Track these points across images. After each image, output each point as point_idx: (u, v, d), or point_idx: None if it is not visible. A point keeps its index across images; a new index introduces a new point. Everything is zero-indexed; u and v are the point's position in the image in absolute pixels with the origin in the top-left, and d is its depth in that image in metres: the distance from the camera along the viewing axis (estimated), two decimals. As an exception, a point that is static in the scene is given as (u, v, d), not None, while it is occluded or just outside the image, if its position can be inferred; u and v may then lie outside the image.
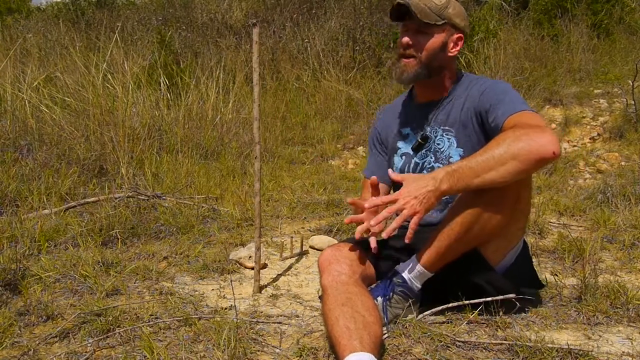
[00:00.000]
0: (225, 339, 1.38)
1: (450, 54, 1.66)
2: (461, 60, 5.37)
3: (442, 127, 1.68)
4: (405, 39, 1.62)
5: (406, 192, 1.39)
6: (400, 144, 1.79)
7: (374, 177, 1.52)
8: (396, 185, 1.80)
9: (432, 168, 1.69)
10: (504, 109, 1.48)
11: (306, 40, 6.54)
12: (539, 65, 5.52)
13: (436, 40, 1.62)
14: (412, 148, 1.74)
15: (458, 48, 1.67)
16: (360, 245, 1.62)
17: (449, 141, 1.67)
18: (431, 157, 1.70)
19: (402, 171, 1.76)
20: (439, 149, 1.68)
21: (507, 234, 1.53)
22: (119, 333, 1.51)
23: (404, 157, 1.77)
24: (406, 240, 1.42)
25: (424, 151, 1.71)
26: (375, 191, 1.59)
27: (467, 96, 1.65)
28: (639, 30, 6.29)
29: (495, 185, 1.35)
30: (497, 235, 1.51)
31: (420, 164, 1.72)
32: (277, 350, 1.44)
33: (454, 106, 1.67)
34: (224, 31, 7.16)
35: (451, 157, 1.66)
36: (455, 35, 1.65)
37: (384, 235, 1.43)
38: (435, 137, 1.69)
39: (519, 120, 1.42)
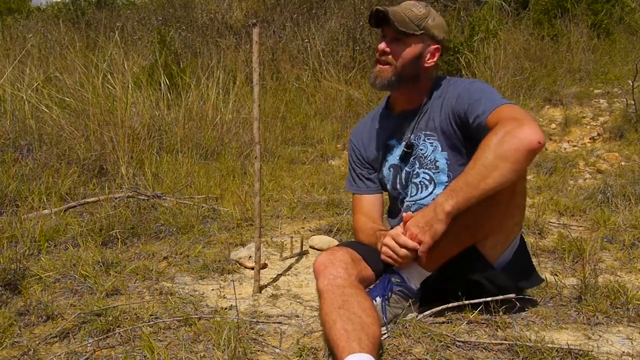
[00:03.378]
0: (225, 339, 1.38)
1: (426, 65, 1.66)
2: (461, 61, 5.37)
3: (424, 133, 1.69)
4: (382, 45, 1.64)
5: (411, 223, 1.44)
6: (387, 156, 1.79)
7: (409, 214, 1.50)
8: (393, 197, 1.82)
9: (418, 174, 1.70)
10: (484, 108, 1.49)
11: (306, 40, 6.54)
12: (539, 65, 5.52)
13: (412, 49, 1.63)
14: (399, 158, 1.75)
15: (434, 59, 1.67)
16: (356, 247, 1.62)
17: (432, 146, 1.67)
18: (416, 164, 1.71)
19: (393, 184, 1.78)
20: (423, 154, 1.69)
21: (504, 229, 1.54)
22: (119, 333, 1.51)
23: (392, 169, 1.78)
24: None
25: (411, 159, 1.72)
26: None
27: (443, 100, 1.65)
28: (639, 30, 6.29)
29: (496, 190, 1.37)
30: (494, 231, 1.52)
31: (411, 172, 1.73)
32: (277, 350, 1.44)
33: (433, 111, 1.68)
34: (224, 31, 7.16)
35: (437, 161, 1.66)
36: (433, 47, 1.66)
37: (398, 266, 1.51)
38: (419, 143, 1.70)
39: (500, 117, 1.43)
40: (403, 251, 1.45)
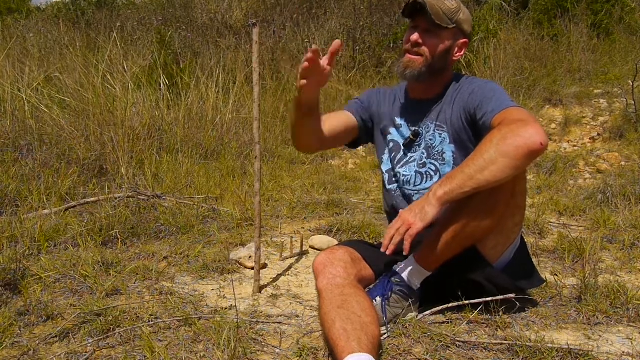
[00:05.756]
0: (225, 339, 1.38)
1: (454, 58, 1.68)
2: (461, 60, 5.37)
3: (435, 123, 1.70)
4: (415, 36, 1.62)
5: (405, 210, 1.44)
6: (392, 129, 1.80)
7: (315, 47, 1.43)
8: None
9: (424, 164, 1.71)
10: (492, 107, 1.50)
11: (306, 40, 6.54)
12: (539, 65, 5.52)
13: (444, 43, 1.63)
14: (403, 145, 1.76)
15: (462, 53, 1.69)
16: (356, 247, 1.62)
17: (440, 137, 1.68)
18: (423, 153, 1.71)
19: (391, 152, 1.78)
20: (432, 145, 1.70)
21: (504, 229, 1.54)
22: (119, 333, 1.51)
23: (392, 144, 1.78)
24: (404, 253, 1.43)
25: (416, 147, 1.73)
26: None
27: (457, 95, 1.66)
28: (639, 30, 6.29)
29: (491, 185, 1.37)
30: (494, 232, 1.52)
31: (409, 156, 1.73)
32: (277, 350, 1.44)
33: (445, 105, 1.69)
34: (224, 31, 7.16)
35: (444, 153, 1.67)
36: (461, 41, 1.68)
37: (388, 252, 1.43)
38: (427, 132, 1.71)
39: (505, 117, 1.43)
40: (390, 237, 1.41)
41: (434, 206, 1.38)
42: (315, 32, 6.64)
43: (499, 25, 5.84)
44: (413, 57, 1.63)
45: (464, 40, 1.68)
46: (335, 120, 1.79)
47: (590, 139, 4.60)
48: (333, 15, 7.00)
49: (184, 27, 7.12)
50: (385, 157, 1.82)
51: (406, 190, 1.74)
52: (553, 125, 4.80)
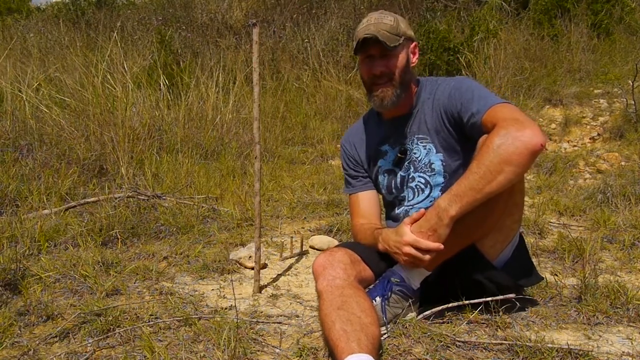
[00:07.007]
0: (225, 339, 1.38)
1: (412, 64, 1.70)
2: (461, 60, 5.37)
3: (416, 136, 1.70)
4: (378, 70, 1.63)
5: (414, 228, 1.45)
6: (380, 162, 1.79)
7: (421, 210, 1.49)
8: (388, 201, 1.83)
9: (413, 178, 1.71)
10: (478, 107, 1.50)
11: (306, 40, 6.54)
12: (539, 65, 5.52)
13: (402, 58, 1.65)
14: (393, 164, 1.75)
15: (417, 56, 1.72)
16: (356, 248, 1.62)
17: (425, 149, 1.68)
18: (411, 168, 1.71)
19: (388, 188, 1.78)
20: (416, 158, 1.70)
21: (502, 227, 1.54)
22: (119, 333, 1.51)
23: (386, 174, 1.78)
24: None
25: (406, 164, 1.72)
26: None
27: (433, 100, 1.66)
28: (639, 30, 6.29)
29: (498, 192, 1.37)
30: (493, 230, 1.52)
31: (406, 177, 1.73)
32: (277, 350, 1.45)
33: (424, 113, 1.68)
34: (224, 31, 7.16)
35: (432, 163, 1.67)
36: (412, 45, 1.70)
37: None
38: (412, 147, 1.71)
39: (497, 117, 1.43)
40: (428, 257, 1.44)
41: (449, 227, 1.40)
42: (315, 32, 6.64)
43: (499, 25, 5.83)
44: (383, 87, 1.64)
45: (413, 44, 1.71)
46: (376, 209, 1.83)
47: (590, 139, 4.60)
48: (333, 15, 7.00)
49: (184, 27, 7.12)
50: (384, 190, 1.81)
51: (404, 207, 1.74)
52: (553, 125, 4.80)
